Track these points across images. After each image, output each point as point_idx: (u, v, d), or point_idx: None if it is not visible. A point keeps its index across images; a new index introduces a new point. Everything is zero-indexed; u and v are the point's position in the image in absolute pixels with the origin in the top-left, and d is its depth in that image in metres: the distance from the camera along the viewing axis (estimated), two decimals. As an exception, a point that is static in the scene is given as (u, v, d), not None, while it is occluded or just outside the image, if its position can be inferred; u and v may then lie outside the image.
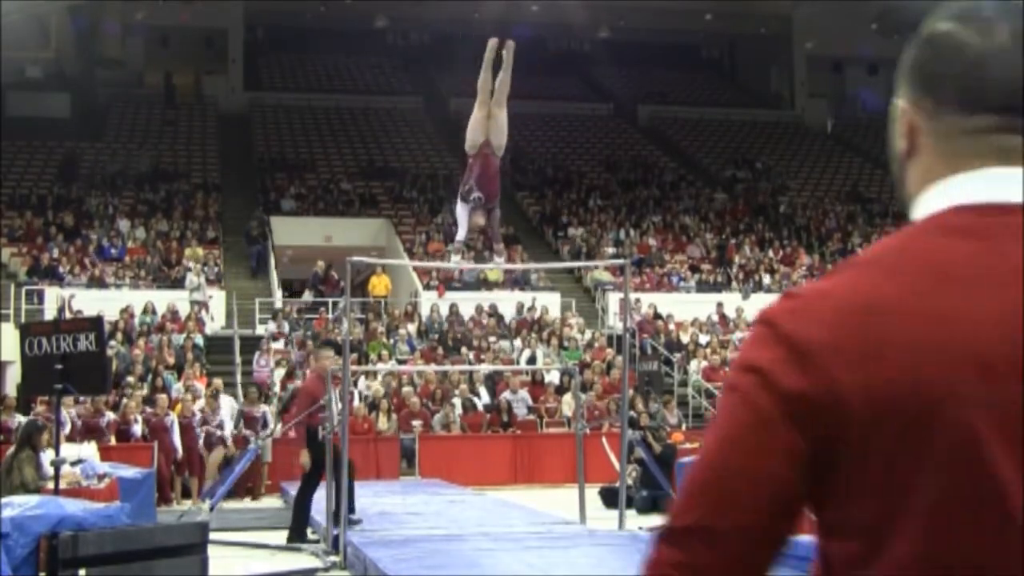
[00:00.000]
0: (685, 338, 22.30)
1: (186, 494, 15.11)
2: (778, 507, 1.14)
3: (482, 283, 24.53)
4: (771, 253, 27.62)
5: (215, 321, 23.09)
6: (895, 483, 1.11)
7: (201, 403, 16.25)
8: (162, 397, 16.02)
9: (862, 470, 1.12)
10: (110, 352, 16.36)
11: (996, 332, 1.09)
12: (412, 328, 22.11)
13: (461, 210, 9.37)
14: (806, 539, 1.20)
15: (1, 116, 29.86)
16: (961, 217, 1.16)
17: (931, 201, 1.20)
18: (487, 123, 9.25)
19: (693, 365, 21.14)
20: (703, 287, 25.44)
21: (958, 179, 1.18)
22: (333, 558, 9.90)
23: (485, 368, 19.16)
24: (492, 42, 9.17)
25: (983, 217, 1.15)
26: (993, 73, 1.17)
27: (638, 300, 22.63)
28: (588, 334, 22.07)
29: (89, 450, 12.43)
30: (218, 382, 17.29)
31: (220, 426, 15.45)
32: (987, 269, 1.12)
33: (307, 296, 24.17)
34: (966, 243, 1.14)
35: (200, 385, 17.48)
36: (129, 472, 11.35)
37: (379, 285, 24.66)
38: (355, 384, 17.67)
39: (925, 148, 1.23)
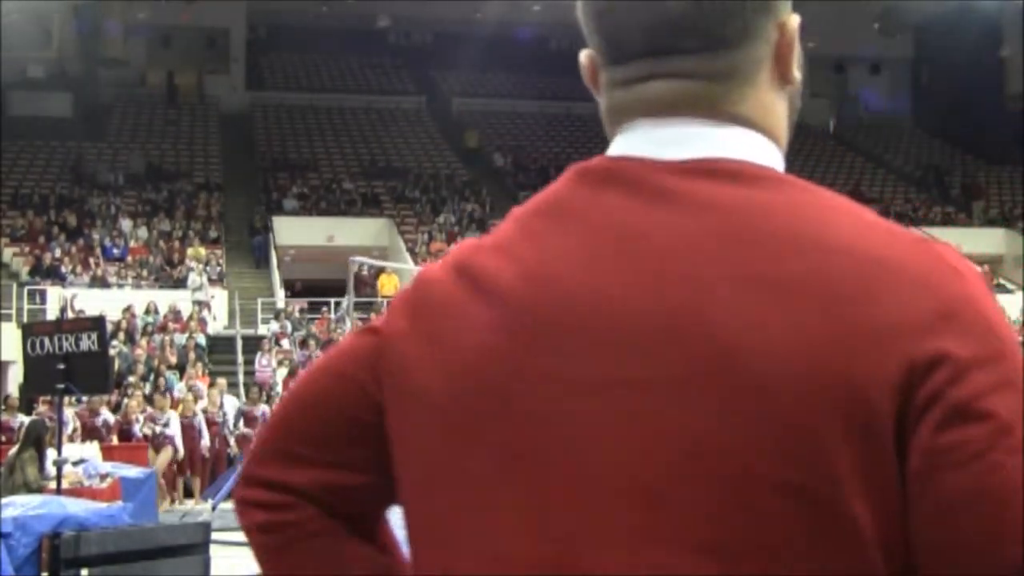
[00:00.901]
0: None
1: (188, 494, 15.12)
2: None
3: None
4: (773, 253, 27.59)
5: (217, 321, 23.11)
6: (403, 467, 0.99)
7: (204, 403, 16.25)
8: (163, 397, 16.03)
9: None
10: (112, 352, 16.37)
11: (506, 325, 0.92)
12: (414, 328, 22.10)
13: None
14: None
15: (3, 116, 29.89)
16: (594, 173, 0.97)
17: None
18: None
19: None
20: (705, 287, 25.41)
21: (617, 139, 1.00)
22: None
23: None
24: None
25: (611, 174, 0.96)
26: (624, 13, 0.97)
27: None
28: (590, 334, 22.06)
29: (91, 450, 12.45)
30: (168, 388, 17.14)
31: (167, 424, 15.28)
32: (567, 231, 0.93)
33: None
34: (571, 198, 0.96)
35: (203, 385, 17.49)
36: (131, 472, 11.36)
37: (388, 284, 24.68)
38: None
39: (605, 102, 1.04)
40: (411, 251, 25.61)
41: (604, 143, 1.01)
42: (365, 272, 23.93)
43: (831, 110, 39.55)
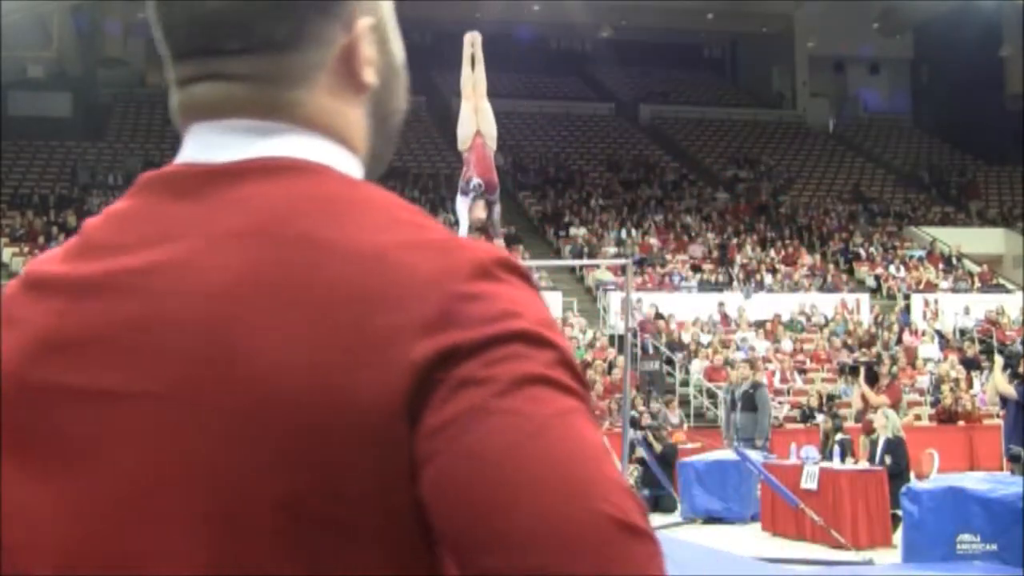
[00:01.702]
0: (687, 338, 22.30)
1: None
2: None
3: (484, 283, 24.52)
4: (773, 253, 27.61)
5: (217, 321, 23.12)
6: None
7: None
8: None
9: None
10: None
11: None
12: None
13: (461, 204, 9.42)
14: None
15: (3, 116, 29.88)
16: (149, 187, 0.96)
17: None
18: (475, 115, 9.51)
19: (695, 365, 21.13)
20: (705, 287, 25.43)
21: (183, 144, 0.96)
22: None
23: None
24: (468, 37, 9.54)
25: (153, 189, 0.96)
26: (173, 9, 0.93)
27: (640, 300, 22.62)
28: (590, 334, 22.06)
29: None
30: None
31: None
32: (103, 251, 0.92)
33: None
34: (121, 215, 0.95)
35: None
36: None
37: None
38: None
39: None
40: (411, 251, 25.60)
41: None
42: None
43: (831, 110, 39.59)
